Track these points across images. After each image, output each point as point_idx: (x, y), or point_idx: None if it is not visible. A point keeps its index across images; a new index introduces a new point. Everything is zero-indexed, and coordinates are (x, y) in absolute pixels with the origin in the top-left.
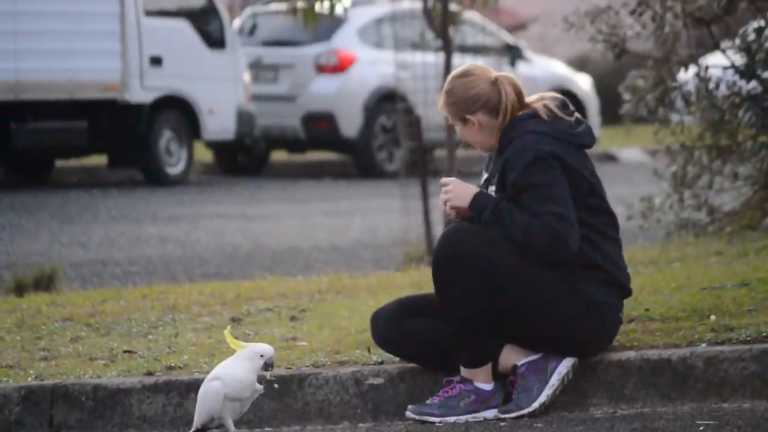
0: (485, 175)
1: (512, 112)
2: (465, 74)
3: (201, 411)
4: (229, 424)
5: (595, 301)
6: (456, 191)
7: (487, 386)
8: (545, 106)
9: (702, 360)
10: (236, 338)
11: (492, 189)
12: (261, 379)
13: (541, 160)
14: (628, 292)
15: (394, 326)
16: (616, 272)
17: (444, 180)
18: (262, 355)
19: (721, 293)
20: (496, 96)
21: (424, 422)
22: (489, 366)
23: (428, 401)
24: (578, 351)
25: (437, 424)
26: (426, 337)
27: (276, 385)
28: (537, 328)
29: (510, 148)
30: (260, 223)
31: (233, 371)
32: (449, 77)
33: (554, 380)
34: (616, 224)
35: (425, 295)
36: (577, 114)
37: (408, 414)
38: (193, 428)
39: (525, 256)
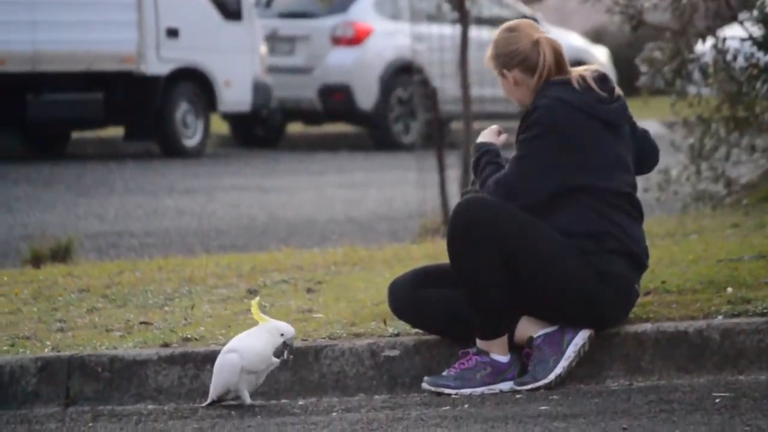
0: None
1: (548, 75)
2: (511, 29)
3: (217, 383)
4: (245, 395)
5: (611, 272)
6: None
7: (503, 358)
8: (580, 75)
9: (718, 332)
10: (263, 312)
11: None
12: (278, 353)
13: (539, 128)
14: (643, 266)
15: (410, 296)
16: (629, 242)
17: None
18: (282, 334)
19: (737, 265)
20: (535, 56)
21: (440, 394)
22: (505, 338)
23: (444, 373)
24: (594, 322)
25: (453, 396)
26: (443, 306)
27: (291, 359)
28: (552, 298)
29: (533, 108)
30: (276, 195)
31: (251, 344)
32: (499, 28)
33: (570, 352)
34: (636, 202)
35: (442, 265)
36: (618, 90)
37: (424, 386)
38: (209, 400)
39: (539, 226)
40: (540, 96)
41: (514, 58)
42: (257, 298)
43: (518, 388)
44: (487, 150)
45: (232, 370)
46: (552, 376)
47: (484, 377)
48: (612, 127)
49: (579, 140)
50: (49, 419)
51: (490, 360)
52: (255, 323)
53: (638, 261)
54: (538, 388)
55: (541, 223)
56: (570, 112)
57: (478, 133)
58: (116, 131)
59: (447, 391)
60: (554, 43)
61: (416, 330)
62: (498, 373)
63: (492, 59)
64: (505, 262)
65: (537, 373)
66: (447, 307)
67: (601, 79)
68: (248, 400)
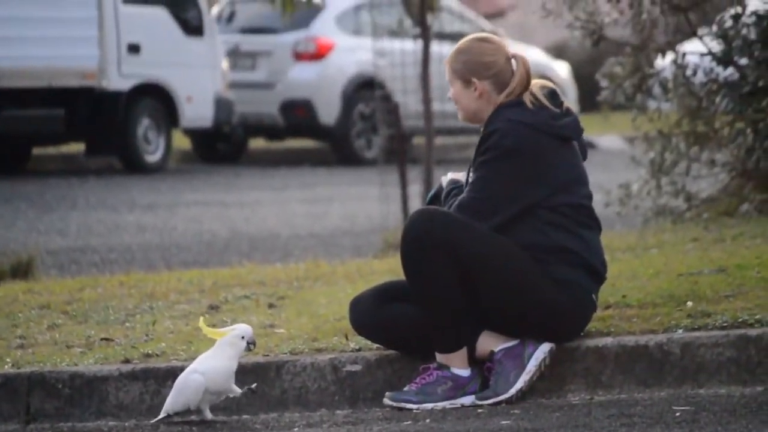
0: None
1: (517, 94)
2: (485, 40)
3: (176, 401)
4: (207, 413)
5: (566, 280)
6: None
7: (464, 372)
8: (532, 93)
9: (679, 346)
10: (213, 326)
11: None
12: (241, 387)
13: (497, 151)
14: (600, 278)
15: (372, 312)
16: (588, 256)
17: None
18: (243, 337)
19: (698, 279)
20: (509, 73)
21: (401, 409)
22: (465, 351)
23: (406, 388)
24: (553, 334)
25: (414, 410)
26: (404, 322)
27: (255, 388)
28: (509, 311)
29: (486, 130)
30: (238, 210)
31: (215, 364)
32: (466, 38)
33: (531, 366)
34: (592, 214)
35: (403, 281)
36: (567, 104)
37: (386, 401)
38: (162, 415)
39: (494, 237)
40: (495, 119)
41: (489, 69)
42: (202, 318)
43: (480, 402)
44: (460, 186)
45: (195, 392)
46: (513, 391)
47: (446, 391)
48: (568, 141)
49: (538, 160)
50: None
51: (451, 374)
52: (213, 339)
53: (596, 273)
54: (499, 403)
55: (496, 234)
56: (527, 133)
57: (439, 148)
58: (78, 147)
59: (409, 406)
60: (526, 61)
61: (378, 345)
62: (459, 387)
63: (458, 64)
64: (460, 275)
65: (498, 387)
66: (408, 322)
67: (552, 94)
68: (209, 416)
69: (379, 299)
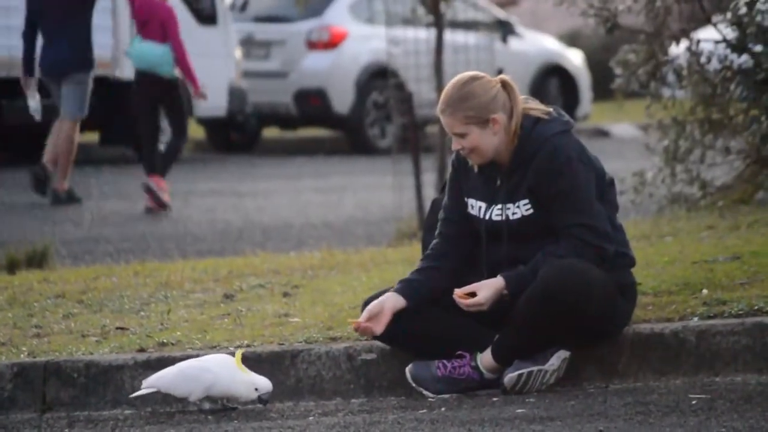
0: (481, 192)
1: (519, 112)
2: (475, 78)
3: (177, 386)
4: (205, 406)
5: (626, 284)
6: (487, 298)
7: (493, 377)
8: (538, 110)
9: (694, 334)
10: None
11: (522, 203)
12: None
13: (568, 170)
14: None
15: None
16: (629, 251)
17: (478, 302)
18: (256, 389)
19: (713, 267)
20: (507, 98)
21: (417, 393)
22: None
23: (433, 365)
24: (612, 335)
25: (430, 398)
26: (415, 330)
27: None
28: (591, 329)
29: (539, 154)
30: (252, 199)
31: (230, 382)
32: (456, 85)
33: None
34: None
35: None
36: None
37: (407, 374)
38: (148, 390)
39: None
40: (530, 142)
41: (497, 100)
42: (240, 351)
43: (515, 372)
44: (516, 272)
45: (198, 387)
46: (554, 360)
47: (468, 388)
48: None
49: (590, 158)
50: (25, 425)
51: (481, 379)
52: (228, 327)
53: (633, 262)
54: (540, 372)
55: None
56: (569, 138)
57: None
58: (92, 136)
59: (426, 393)
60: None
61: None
62: (483, 387)
63: (469, 111)
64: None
65: (536, 359)
66: (419, 330)
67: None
68: (207, 407)
69: None
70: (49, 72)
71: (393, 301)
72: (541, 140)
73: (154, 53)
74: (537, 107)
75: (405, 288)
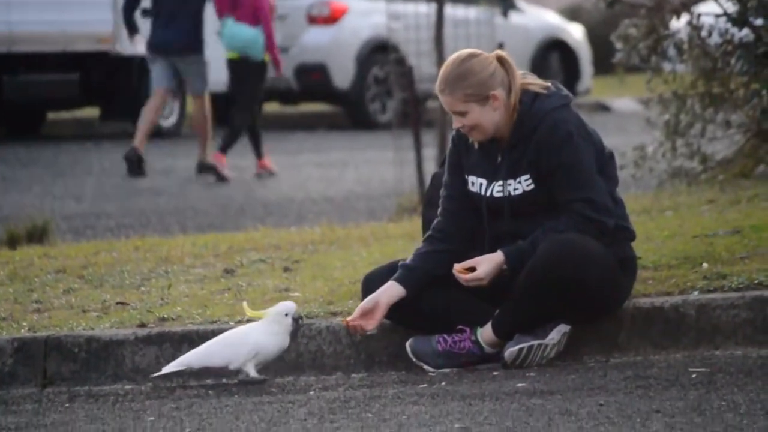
0: (482, 167)
1: (518, 87)
2: (472, 55)
3: (220, 353)
4: (252, 371)
5: (627, 258)
6: (487, 273)
7: (493, 351)
8: (536, 84)
9: (694, 308)
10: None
11: (523, 179)
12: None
13: (569, 142)
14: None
15: None
16: (629, 225)
17: (478, 276)
18: (287, 314)
19: (713, 241)
20: (505, 74)
21: (417, 367)
22: None
23: (434, 340)
24: (612, 309)
25: (431, 373)
26: (415, 305)
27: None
28: (591, 303)
29: (539, 129)
30: (253, 174)
31: (268, 344)
32: (453, 63)
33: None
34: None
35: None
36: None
37: (408, 348)
38: (178, 368)
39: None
40: (530, 117)
41: (495, 77)
42: (245, 303)
43: (516, 347)
44: (516, 247)
45: (247, 352)
46: (553, 335)
47: (468, 362)
48: None
49: (589, 131)
50: (26, 400)
51: (481, 353)
52: (229, 302)
53: (633, 236)
54: (540, 347)
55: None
56: (569, 111)
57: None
58: (92, 112)
59: (426, 367)
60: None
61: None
62: (483, 361)
63: (469, 89)
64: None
65: (536, 334)
66: (419, 305)
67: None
68: (254, 373)
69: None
70: (161, 50)
71: (389, 294)
72: (540, 115)
73: (246, 35)
74: (535, 82)
75: (406, 277)
